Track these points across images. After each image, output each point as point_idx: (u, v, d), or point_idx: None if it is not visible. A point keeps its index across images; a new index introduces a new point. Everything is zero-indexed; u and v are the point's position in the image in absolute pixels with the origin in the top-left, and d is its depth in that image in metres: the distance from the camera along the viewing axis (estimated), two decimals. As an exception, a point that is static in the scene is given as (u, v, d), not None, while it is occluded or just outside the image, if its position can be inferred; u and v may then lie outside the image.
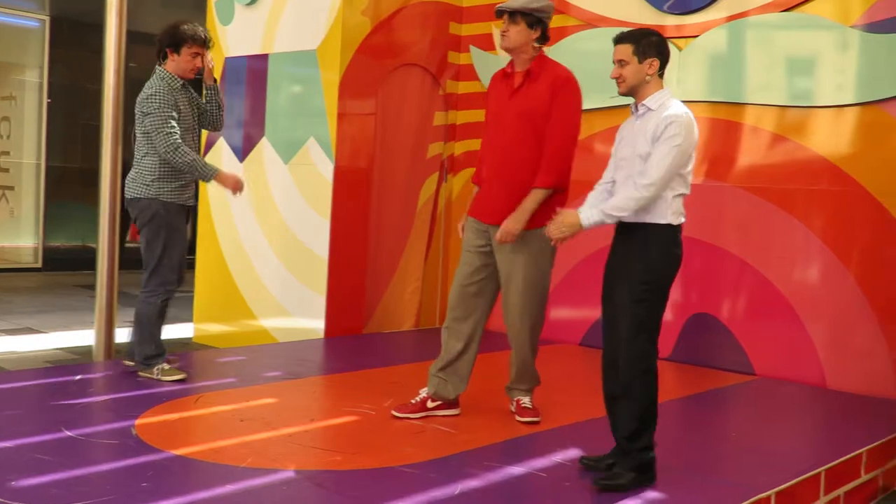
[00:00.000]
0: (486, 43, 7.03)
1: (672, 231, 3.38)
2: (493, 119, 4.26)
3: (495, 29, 6.95)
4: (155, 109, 4.57)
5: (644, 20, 6.00)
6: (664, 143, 3.30)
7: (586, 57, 6.38)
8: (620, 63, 3.43)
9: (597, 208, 3.39)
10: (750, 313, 5.74)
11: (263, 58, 6.85)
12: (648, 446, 3.42)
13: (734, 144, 5.80)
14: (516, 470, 3.53)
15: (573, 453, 3.77)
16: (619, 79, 3.44)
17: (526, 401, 4.34)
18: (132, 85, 5.55)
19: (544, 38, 4.19)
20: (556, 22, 6.56)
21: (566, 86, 4.09)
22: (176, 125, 4.60)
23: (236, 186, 4.76)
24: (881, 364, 5.21)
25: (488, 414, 4.43)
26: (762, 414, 4.88)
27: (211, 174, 4.65)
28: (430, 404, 4.26)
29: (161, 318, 4.78)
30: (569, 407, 4.56)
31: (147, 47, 5.63)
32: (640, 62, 3.41)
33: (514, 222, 4.02)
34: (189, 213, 4.85)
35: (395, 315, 7.04)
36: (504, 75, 4.26)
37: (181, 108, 4.70)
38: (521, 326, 4.20)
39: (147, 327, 4.72)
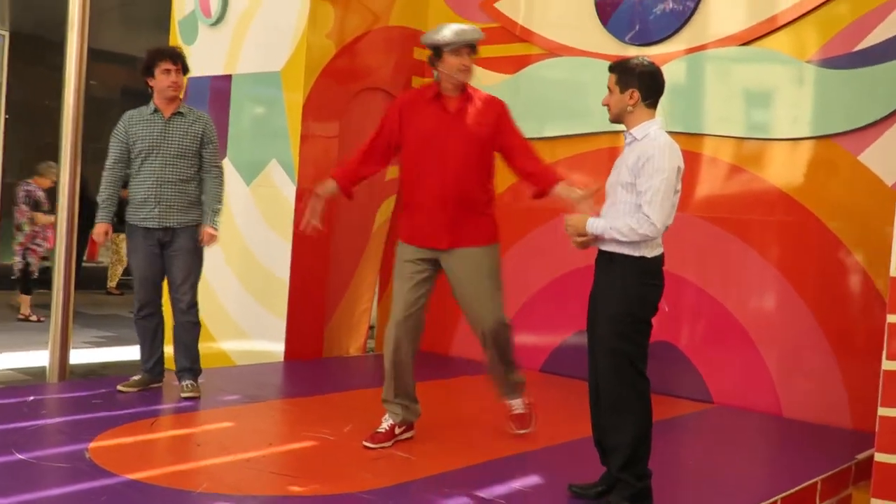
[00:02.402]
0: (450, 69, 7.05)
1: (647, 263, 3.38)
2: (426, 142, 4.20)
3: (459, 55, 6.97)
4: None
5: (606, 51, 6.08)
6: (649, 178, 3.30)
7: (548, 85, 6.46)
8: (609, 91, 3.49)
9: (604, 220, 3.40)
10: (708, 341, 5.79)
11: (227, 78, 6.82)
12: (644, 475, 3.40)
13: (693, 175, 5.87)
14: (476, 497, 3.51)
15: (532, 481, 3.76)
16: (607, 107, 3.51)
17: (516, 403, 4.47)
18: (92, 103, 5.51)
19: None
20: (519, 50, 6.67)
21: (505, 106, 4.36)
22: (116, 155, 4.88)
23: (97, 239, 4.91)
24: (835, 393, 5.28)
25: (447, 441, 4.41)
26: (719, 442, 4.92)
27: (97, 219, 4.88)
28: (397, 430, 4.25)
29: (143, 335, 5.00)
30: (530, 434, 4.55)
31: (108, 65, 5.60)
32: (622, 92, 3.44)
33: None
34: (157, 233, 4.85)
35: (343, 335, 6.93)
36: (432, 98, 4.24)
37: (137, 134, 4.85)
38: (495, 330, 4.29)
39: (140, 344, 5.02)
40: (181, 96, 5.00)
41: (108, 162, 4.89)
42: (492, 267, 4.28)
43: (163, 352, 5.04)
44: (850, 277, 5.30)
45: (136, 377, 4.99)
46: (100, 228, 4.85)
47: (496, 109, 4.26)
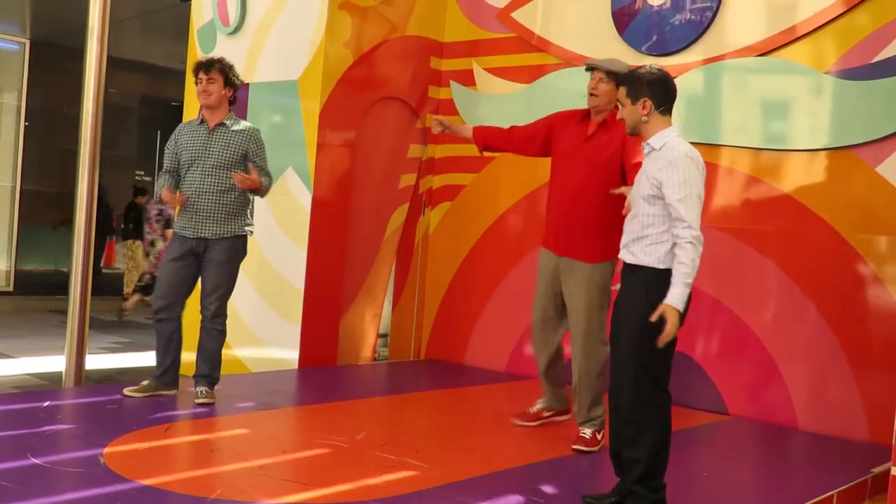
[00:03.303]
0: (466, 78, 7.08)
1: (671, 276, 3.29)
2: (563, 158, 4.58)
3: (475, 64, 7.01)
4: None
5: (623, 60, 6.06)
6: (676, 186, 3.25)
7: (564, 94, 6.44)
8: (621, 105, 3.47)
9: (674, 286, 3.23)
10: (724, 353, 5.76)
11: (244, 87, 6.85)
12: (658, 488, 3.36)
13: (710, 185, 5.83)
14: (489, 506, 3.50)
15: (545, 489, 3.74)
16: (622, 120, 3.50)
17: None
18: (111, 110, 5.55)
19: None
20: (535, 60, 6.68)
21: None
22: (167, 164, 5.00)
23: (171, 202, 4.92)
24: (852, 406, 5.24)
25: (461, 449, 4.41)
26: (735, 454, 4.89)
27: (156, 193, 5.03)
28: (545, 413, 4.84)
29: (158, 340, 4.99)
30: (544, 442, 4.54)
31: (127, 73, 5.64)
32: (633, 103, 3.40)
33: None
34: (191, 242, 4.89)
35: (352, 342, 6.88)
36: (579, 119, 4.59)
37: (183, 144, 4.95)
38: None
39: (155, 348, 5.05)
40: (226, 106, 4.97)
41: (161, 171, 5.05)
42: (598, 284, 4.45)
43: (176, 361, 5.01)
44: (868, 289, 5.26)
45: (144, 382, 4.97)
46: (165, 193, 4.86)
47: (624, 135, 4.27)
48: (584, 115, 4.58)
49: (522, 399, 5.55)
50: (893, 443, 3.88)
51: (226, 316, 5.01)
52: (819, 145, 5.45)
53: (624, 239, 3.49)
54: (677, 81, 5.91)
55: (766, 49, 5.66)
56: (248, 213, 5.01)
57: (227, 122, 4.93)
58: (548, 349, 4.66)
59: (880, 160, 5.22)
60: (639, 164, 4.29)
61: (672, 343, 3.31)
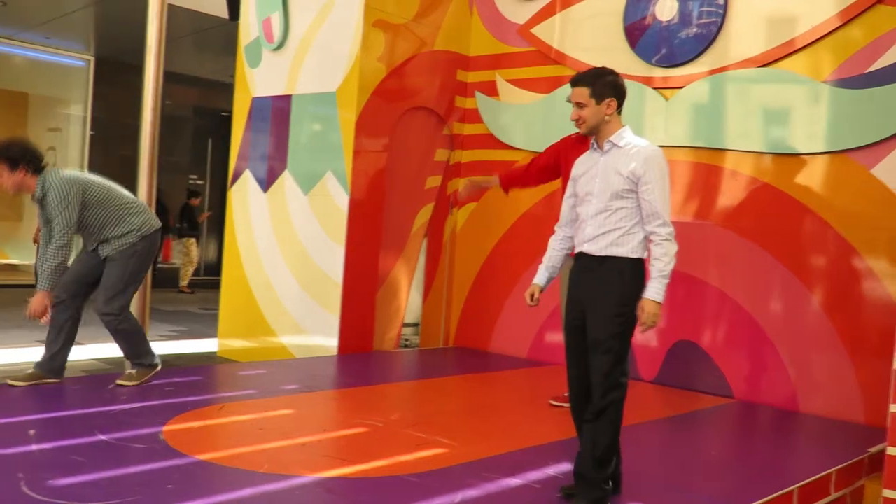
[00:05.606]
0: (489, 89, 7.06)
1: (642, 265, 3.21)
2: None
3: (499, 76, 6.99)
4: None
5: (634, 72, 6.03)
6: (654, 182, 3.14)
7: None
8: (579, 105, 3.24)
9: (654, 281, 3.14)
10: (728, 341, 5.71)
11: (287, 98, 6.89)
12: (608, 477, 3.18)
13: (715, 186, 5.81)
14: (513, 481, 3.49)
15: (565, 467, 3.73)
16: (578, 120, 3.26)
17: None
18: (167, 121, 5.59)
19: None
20: (553, 72, 6.65)
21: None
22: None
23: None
24: (849, 390, 5.18)
25: (487, 429, 4.40)
26: (739, 435, 4.85)
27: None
28: None
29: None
30: (564, 423, 4.53)
31: (181, 86, 5.68)
32: (598, 103, 3.21)
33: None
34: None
35: (378, 328, 6.78)
36: (578, 141, 4.59)
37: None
38: None
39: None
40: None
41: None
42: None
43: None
44: (863, 282, 5.19)
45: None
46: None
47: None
48: (581, 137, 4.43)
49: (543, 383, 5.55)
50: (888, 424, 3.83)
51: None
52: (817, 149, 5.38)
53: (585, 234, 3.25)
54: (685, 91, 5.94)
55: (767, 60, 5.59)
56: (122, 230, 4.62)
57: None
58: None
59: (874, 163, 5.15)
60: None
61: (634, 328, 3.20)
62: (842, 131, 5.29)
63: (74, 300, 4.61)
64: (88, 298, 4.71)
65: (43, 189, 4.37)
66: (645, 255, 3.22)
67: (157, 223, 4.74)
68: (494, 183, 5.20)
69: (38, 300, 4.42)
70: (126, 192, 4.73)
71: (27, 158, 4.36)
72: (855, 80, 5.23)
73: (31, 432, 3.67)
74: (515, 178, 5.14)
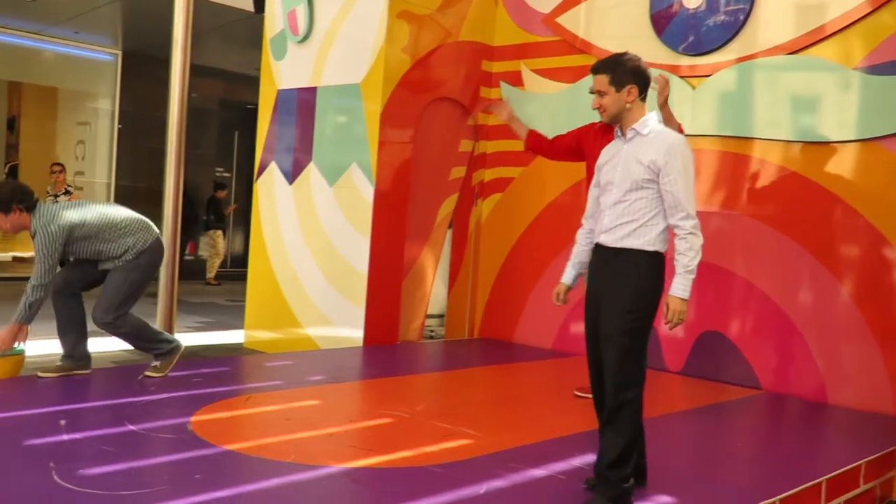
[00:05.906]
0: (514, 79, 7.03)
1: (660, 259, 3.09)
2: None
3: (524, 66, 6.96)
4: None
5: (660, 61, 5.97)
6: (676, 173, 3.03)
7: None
8: (599, 94, 3.15)
9: (678, 276, 3.05)
10: (756, 332, 5.65)
11: (312, 90, 6.90)
12: (628, 476, 3.08)
13: (742, 175, 5.74)
14: (538, 472, 3.49)
15: (590, 458, 3.72)
16: (599, 109, 3.17)
17: None
18: (193, 113, 5.63)
19: None
20: (579, 61, 6.60)
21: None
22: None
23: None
24: (879, 381, 5.11)
25: (512, 420, 4.40)
26: (767, 426, 4.80)
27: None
28: None
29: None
30: (589, 413, 4.51)
31: (207, 79, 5.71)
32: (618, 91, 3.11)
33: None
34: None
35: (402, 319, 6.77)
36: (603, 129, 4.52)
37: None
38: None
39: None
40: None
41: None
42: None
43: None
44: (893, 271, 5.11)
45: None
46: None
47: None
48: (605, 126, 4.39)
49: (568, 374, 5.53)
50: (919, 416, 3.78)
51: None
52: (847, 137, 5.30)
53: (603, 224, 3.16)
54: (712, 79, 5.87)
55: (796, 48, 5.51)
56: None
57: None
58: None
59: (906, 150, 5.07)
60: None
61: (651, 325, 3.10)
62: (872, 119, 5.20)
63: (69, 287, 4.61)
64: (88, 290, 4.72)
65: (34, 228, 4.43)
66: (664, 249, 3.12)
67: (153, 236, 4.67)
68: (521, 136, 5.00)
69: (8, 331, 4.43)
70: (122, 214, 4.63)
71: (18, 199, 4.39)
72: (886, 67, 5.14)
73: (62, 422, 3.72)
74: (539, 145, 4.99)
